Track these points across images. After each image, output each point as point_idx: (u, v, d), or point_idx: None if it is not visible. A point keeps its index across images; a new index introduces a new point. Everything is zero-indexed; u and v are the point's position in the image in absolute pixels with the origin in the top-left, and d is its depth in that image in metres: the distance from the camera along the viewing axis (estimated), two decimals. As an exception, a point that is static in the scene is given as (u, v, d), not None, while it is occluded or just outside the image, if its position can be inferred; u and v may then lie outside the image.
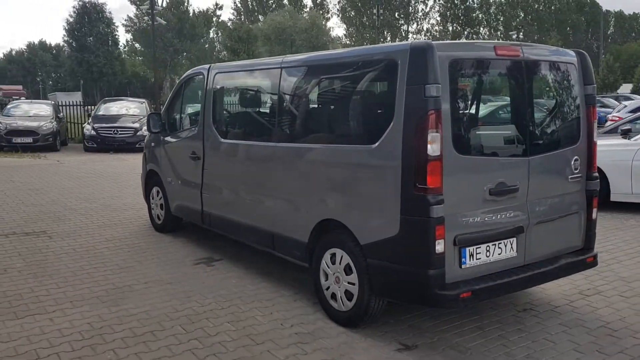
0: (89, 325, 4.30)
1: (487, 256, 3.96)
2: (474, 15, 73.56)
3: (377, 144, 3.96)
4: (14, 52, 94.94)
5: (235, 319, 4.45)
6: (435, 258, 3.69)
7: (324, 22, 59.61)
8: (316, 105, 5.00)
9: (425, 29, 75.10)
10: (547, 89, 4.77)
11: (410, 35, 73.00)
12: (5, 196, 9.79)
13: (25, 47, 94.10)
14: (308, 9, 66.70)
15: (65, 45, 40.41)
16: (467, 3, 72.51)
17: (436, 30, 74.35)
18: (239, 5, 72.62)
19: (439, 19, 74.61)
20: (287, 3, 69.35)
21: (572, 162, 4.43)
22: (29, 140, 17.87)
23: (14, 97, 37.90)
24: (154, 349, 3.91)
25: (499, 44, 4.11)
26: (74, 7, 41.08)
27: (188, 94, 6.92)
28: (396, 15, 74.20)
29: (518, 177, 4.10)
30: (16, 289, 5.09)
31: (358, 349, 3.95)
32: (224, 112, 6.29)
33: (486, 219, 3.96)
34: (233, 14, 72.58)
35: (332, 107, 4.86)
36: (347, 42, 70.26)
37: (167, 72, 65.11)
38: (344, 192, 4.30)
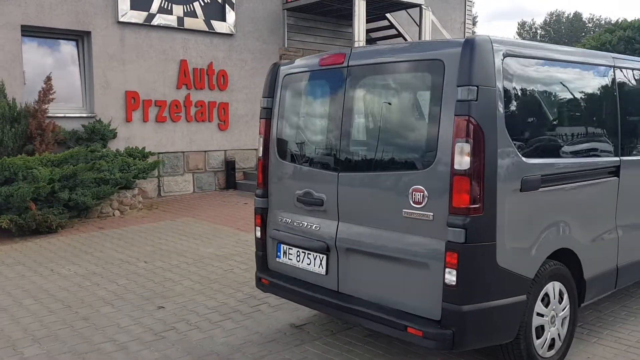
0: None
1: (297, 261, 4.12)
2: None
3: None
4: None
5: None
6: (257, 242, 4.45)
7: None
8: None
9: None
10: (380, 97, 3.84)
11: None
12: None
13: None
14: None
15: None
16: None
17: None
18: None
19: None
20: None
21: (410, 193, 3.36)
22: None
23: None
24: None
25: (327, 54, 3.99)
26: None
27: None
28: None
29: (326, 191, 3.89)
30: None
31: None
32: None
33: (295, 224, 4.14)
34: None
35: None
36: None
37: None
38: None
